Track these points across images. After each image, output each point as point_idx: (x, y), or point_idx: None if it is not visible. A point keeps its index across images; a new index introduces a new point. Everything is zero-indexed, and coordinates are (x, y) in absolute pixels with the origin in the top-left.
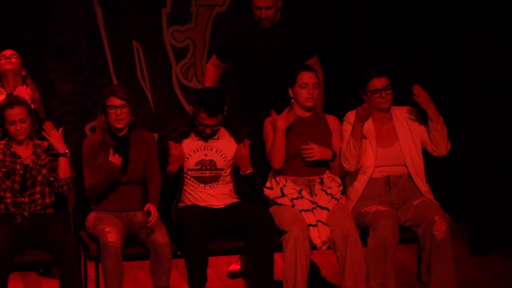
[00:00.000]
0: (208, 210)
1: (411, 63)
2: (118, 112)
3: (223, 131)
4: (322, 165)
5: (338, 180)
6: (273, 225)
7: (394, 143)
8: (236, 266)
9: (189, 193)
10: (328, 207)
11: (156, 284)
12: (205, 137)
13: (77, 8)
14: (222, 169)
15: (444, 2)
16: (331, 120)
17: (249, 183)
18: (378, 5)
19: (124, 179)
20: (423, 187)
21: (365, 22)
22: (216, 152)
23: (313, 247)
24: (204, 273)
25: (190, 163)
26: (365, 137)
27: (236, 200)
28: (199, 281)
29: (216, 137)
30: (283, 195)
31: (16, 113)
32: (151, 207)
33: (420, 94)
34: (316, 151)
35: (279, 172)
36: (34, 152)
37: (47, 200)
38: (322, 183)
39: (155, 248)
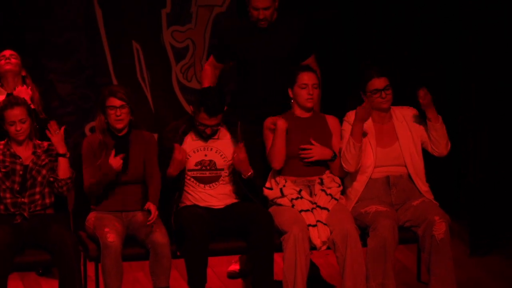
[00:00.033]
0: (208, 210)
1: (417, 63)
2: (118, 112)
3: (223, 131)
4: (321, 165)
5: (338, 180)
6: (273, 225)
7: (394, 143)
8: (235, 266)
9: (189, 193)
10: (328, 207)
11: (156, 284)
12: (205, 137)
13: (77, 8)
14: (222, 169)
15: (449, 2)
16: (331, 120)
17: (250, 185)
18: (384, 5)
19: (124, 179)
20: (423, 187)
21: (370, 21)
22: (216, 152)
23: (313, 248)
24: (204, 273)
25: (190, 163)
26: (365, 134)
27: (236, 200)
28: (199, 281)
29: (216, 137)
30: (282, 195)
31: (16, 113)
32: (151, 206)
33: (425, 97)
34: (315, 151)
35: (279, 172)
36: (34, 153)
37: (47, 201)
38: (321, 183)
39: (155, 248)
